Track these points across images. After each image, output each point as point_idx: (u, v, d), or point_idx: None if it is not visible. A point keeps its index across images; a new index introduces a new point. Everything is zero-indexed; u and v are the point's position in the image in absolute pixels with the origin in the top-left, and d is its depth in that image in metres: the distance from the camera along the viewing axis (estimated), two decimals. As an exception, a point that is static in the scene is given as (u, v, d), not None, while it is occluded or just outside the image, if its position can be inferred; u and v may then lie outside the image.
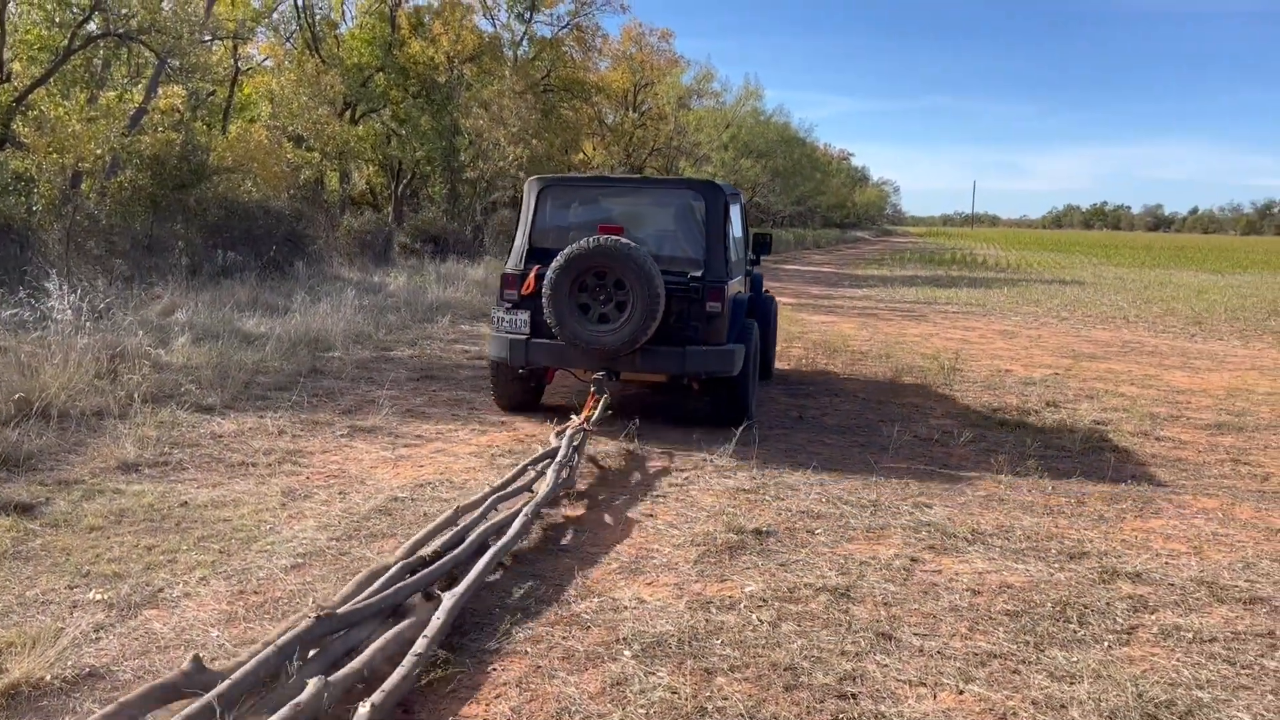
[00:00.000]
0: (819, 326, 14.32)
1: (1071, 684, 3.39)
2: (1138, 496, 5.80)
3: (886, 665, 3.49)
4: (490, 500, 4.77)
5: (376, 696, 2.87)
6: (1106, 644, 3.74)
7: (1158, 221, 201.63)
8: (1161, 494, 5.88)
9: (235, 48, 22.33)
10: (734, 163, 41.16)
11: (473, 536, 4.26)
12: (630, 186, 7.92)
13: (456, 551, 4.08)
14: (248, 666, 2.92)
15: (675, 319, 6.86)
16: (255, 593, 3.95)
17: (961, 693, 3.32)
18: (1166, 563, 4.67)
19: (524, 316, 7.07)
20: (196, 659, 2.89)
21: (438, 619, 3.42)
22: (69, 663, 3.27)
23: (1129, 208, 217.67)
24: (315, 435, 6.60)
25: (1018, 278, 28.75)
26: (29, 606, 3.73)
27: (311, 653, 3.14)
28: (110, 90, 17.27)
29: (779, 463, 6.30)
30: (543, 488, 5.06)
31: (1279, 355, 12.53)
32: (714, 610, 3.92)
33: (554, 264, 6.74)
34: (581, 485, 5.68)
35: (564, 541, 4.74)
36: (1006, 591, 4.24)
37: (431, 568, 3.88)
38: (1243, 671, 3.55)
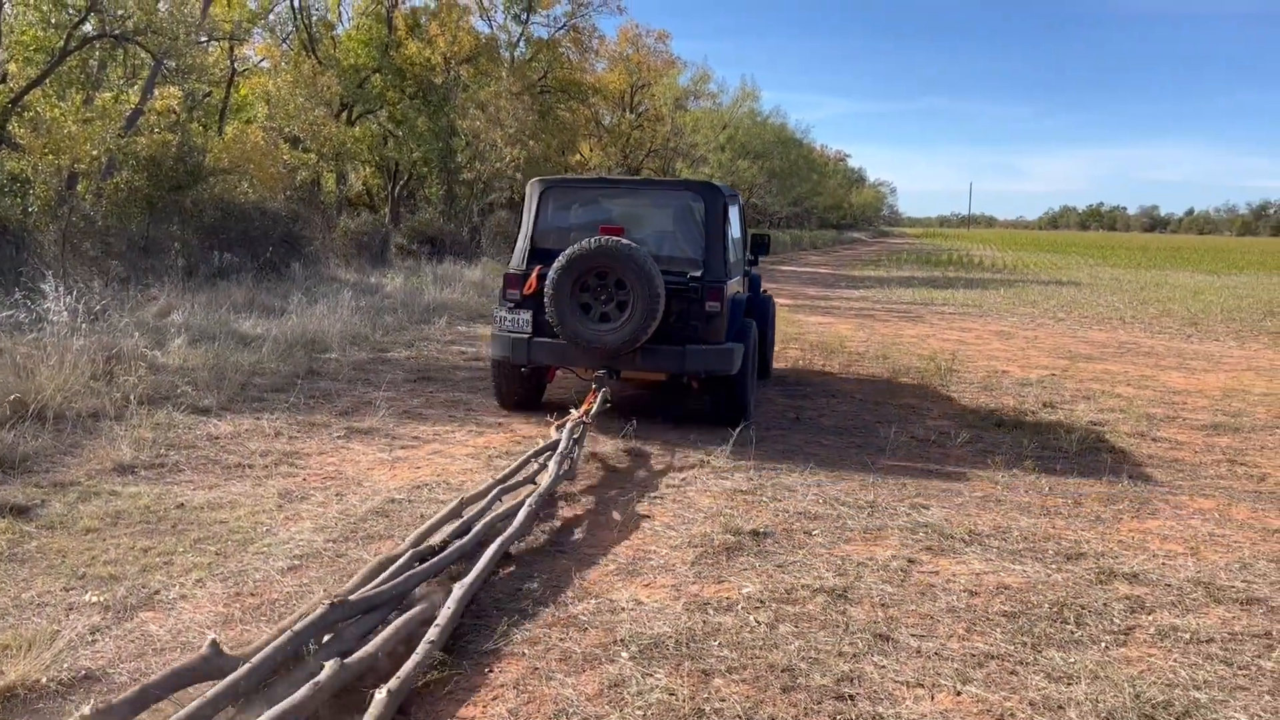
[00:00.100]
0: (816, 327, 14.33)
1: (1069, 685, 3.39)
2: (1134, 497, 5.80)
3: (884, 666, 3.49)
4: (494, 492, 4.87)
5: (392, 683, 2.96)
6: (1104, 645, 3.74)
7: (1154, 222, 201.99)
8: (1158, 495, 5.88)
9: (231, 49, 22.33)
10: (731, 164, 41.15)
11: (479, 526, 4.36)
12: (630, 188, 8.03)
13: (463, 541, 4.19)
14: (266, 651, 3.00)
15: (675, 318, 6.93)
16: (252, 595, 3.94)
17: (959, 694, 3.32)
18: (1163, 563, 4.68)
19: (526, 316, 7.14)
20: (214, 643, 2.95)
21: (448, 608, 3.52)
22: (65, 665, 3.26)
23: (1125, 209, 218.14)
24: (312, 437, 6.59)
25: (1014, 279, 28.78)
26: (25, 609, 3.72)
27: (326, 638, 3.24)
28: (106, 91, 17.26)
29: (776, 464, 6.30)
30: (545, 479, 5.18)
31: (1275, 356, 12.55)
32: (711, 612, 3.92)
33: (556, 264, 6.81)
34: (579, 486, 5.68)
35: (561, 543, 4.74)
36: (1004, 592, 4.24)
37: (440, 556, 3.99)
38: (1240, 672, 3.56)
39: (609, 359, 6.96)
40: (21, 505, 4.84)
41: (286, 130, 22.90)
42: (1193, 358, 12.10)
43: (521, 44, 30.18)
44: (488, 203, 26.31)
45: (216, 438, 6.40)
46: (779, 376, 9.76)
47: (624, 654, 3.51)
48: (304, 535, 4.65)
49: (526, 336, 7.14)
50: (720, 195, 7.34)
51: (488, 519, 4.48)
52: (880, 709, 3.19)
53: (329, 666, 2.94)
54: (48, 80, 15.30)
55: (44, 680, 3.15)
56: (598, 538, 4.81)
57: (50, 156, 13.50)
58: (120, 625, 3.62)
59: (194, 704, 2.69)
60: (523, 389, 7.68)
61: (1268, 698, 3.37)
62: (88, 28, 15.13)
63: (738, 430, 6.78)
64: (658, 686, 3.28)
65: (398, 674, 3.03)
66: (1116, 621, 3.96)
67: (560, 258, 6.81)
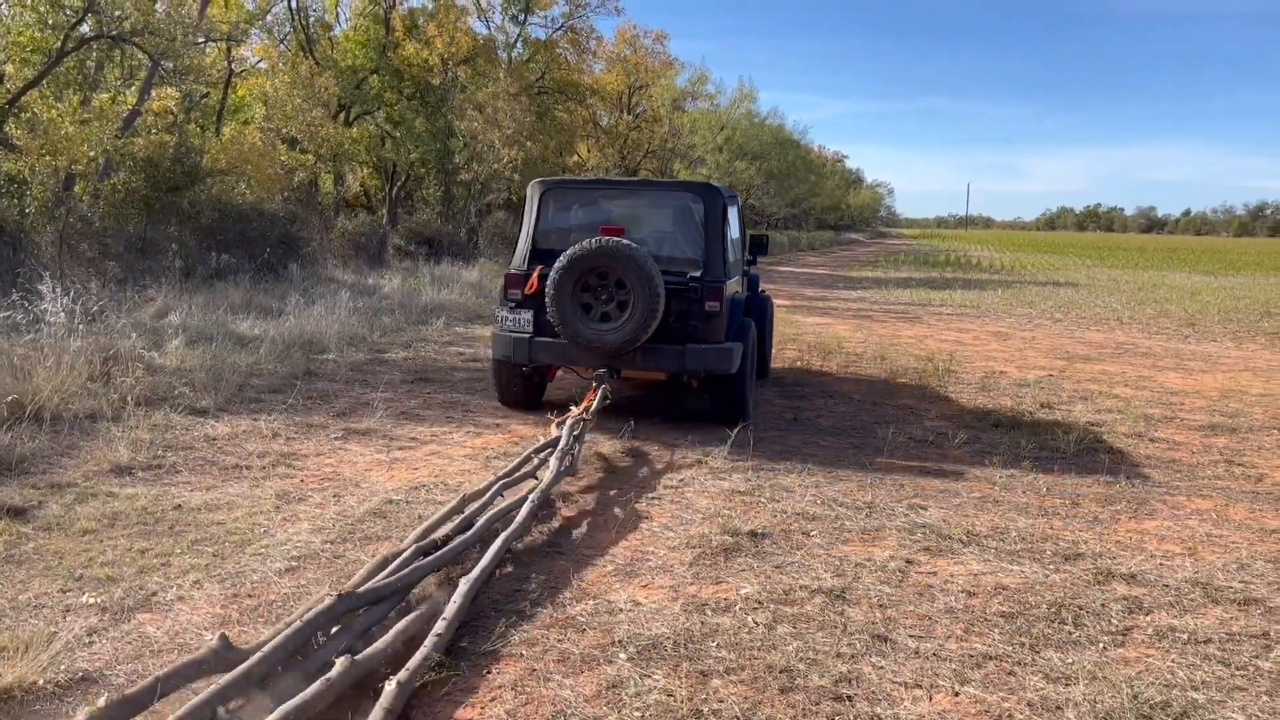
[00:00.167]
0: (814, 328, 14.33)
1: (1067, 685, 3.40)
2: (1132, 498, 5.81)
3: (882, 667, 3.49)
4: (496, 488, 4.92)
5: (402, 674, 3.04)
6: (1102, 645, 3.74)
7: (1151, 223, 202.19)
8: (1156, 495, 5.88)
9: (229, 50, 22.33)
10: (729, 165, 41.16)
11: (481, 522, 4.43)
12: (631, 189, 8.14)
13: (468, 535, 4.26)
14: (276, 642, 3.06)
15: (675, 318, 6.99)
16: (249, 596, 3.94)
17: (957, 694, 3.32)
18: (1161, 564, 4.68)
19: (527, 315, 7.21)
20: (224, 636, 3.02)
21: (454, 602, 3.58)
22: (62, 667, 3.26)
23: (1122, 209, 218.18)
24: (309, 438, 6.59)
25: (1012, 279, 28.81)
26: (21, 610, 3.71)
27: (334, 629, 3.31)
28: (103, 92, 17.23)
29: (774, 464, 6.30)
30: (546, 475, 5.23)
31: (1272, 356, 12.57)
32: (709, 612, 3.92)
33: (557, 264, 6.87)
34: (577, 487, 5.68)
35: (559, 543, 4.73)
36: (1002, 593, 4.24)
37: (444, 550, 4.07)
38: (1237, 672, 3.56)
39: (610, 358, 7.01)
40: (18, 507, 4.84)
41: (284, 131, 22.89)
42: (1190, 358, 12.11)
43: (519, 45, 30.18)
44: (485, 204, 26.30)
45: (214, 439, 6.39)
46: (777, 377, 9.76)
47: (622, 655, 3.51)
48: (301, 536, 4.64)
49: (528, 336, 7.21)
50: (719, 196, 7.41)
51: (490, 515, 4.55)
52: (878, 710, 3.19)
53: (340, 663, 3.00)
54: (45, 81, 15.27)
55: (41, 682, 3.14)
56: (596, 538, 4.81)
57: (47, 158, 13.48)
58: (117, 627, 3.61)
59: (206, 692, 2.75)
60: (524, 388, 7.75)
61: (1265, 698, 3.37)
62: (85, 29, 15.11)
63: (735, 431, 6.78)
64: (656, 687, 3.27)
65: (407, 666, 3.11)
66: (1114, 622, 3.96)
67: (561, 258, 6.86)
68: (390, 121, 25.94)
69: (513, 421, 7.40)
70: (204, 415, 6.97)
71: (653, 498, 5.51)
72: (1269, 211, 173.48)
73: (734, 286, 7.71)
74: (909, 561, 4.58)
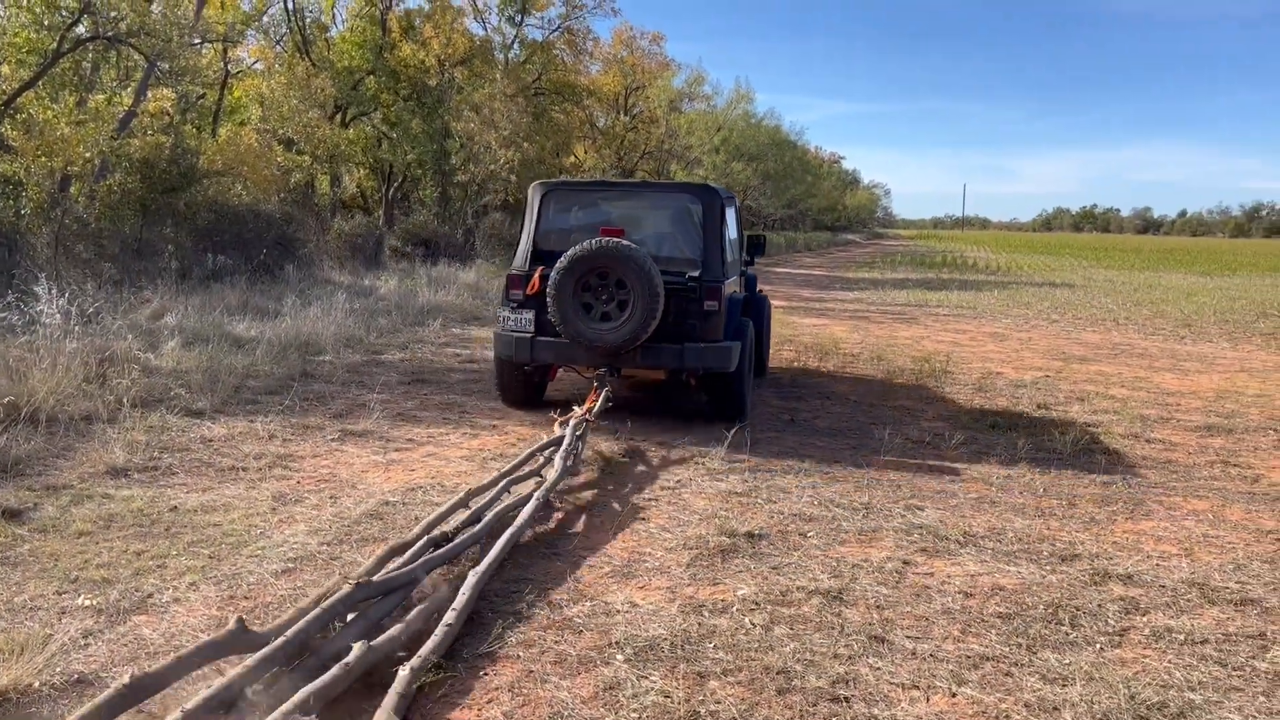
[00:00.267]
0: (810, 329, 14.34)
1: (1064, 686, 3.40)
2: (1129, 498, 5.81)
3: (879, 668, 3.49)
4: (502, 484, 5.04)
5: (415, 660, 3.16)
6: (1098, 646, 3.74)
7: (1147, 224, 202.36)
8: (1152, 496, 5.89)
9: (225, 51, 22.30)
10: (725, 166, 41.17)
11: (489, 516, 4.55)
12: (630, 190, 8.32)
13: (476, 530, 4.38)
14: (299, 626, 3.18)
15: (674, 317, 7.10)
16: (246, 598, 3.93)
17: (954, 695, 3.32)
18: (1158, 564, 4.68)
19: (529, 315, 7.32)
20: (240, 620, 3.11)
21: (464, 593, 3.68)
22: (57, 669, 3.25)
23: (1118, 210, 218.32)
24: (306, 439, 6.58)
25: (1008, 280, 28.84)
26: (17, 613, 3.71)
27: (350, 616, 3.43)
28: (99, 93, 17.21)
29: (771, 465, 6.30)
30: (551, 473, 5.34)
31: (1268, 357, 12.59)
32: (706, 614, 3.92)
33: (558, 265, 6.97)
34: (574, 488, 5.67)
35: (556, 545, 4.73)
36: (999, 594, 4.24)
37: (453, 543, 4.19)
38: (1234, 673, 3.56)
39: (610, 357, 7.12)
40: (14, 508, 4.82)
41: (280, 132, 22.87)
42: (1186, 359, 12.13)
43: (516, 46, 30.18)
44: (482, 205, 26.29)
45: (210, 440, 6.38)
46: (774, 378, 9.77)
47: (619, 656, 3.51)
48: (298, 538, 4.64)
49: (529, 335, 7.31)
50: (717, 197, 7.52)
51: (497, 509, 4.67)
52: (875, 711, 3.19)
53: (357, 648, 3.12)
54: (41, 82, 15.24)
55: (36, 684, 3.13)
56: (593, 539, 4.80)
57: (43, 159, 13.45)
58: (113, 629, 3.60)
59: (232, 672, 2.86)
60: (525, 387, 7.86)
61: (1262, 698, 3.38)
62: (81, 30, 15.08)
63: (733, 432, 6.79)
64: (653, 689, 3.27)
65: (419, 653, 3.22)
66: (1111, 623, 3.97)
67: (562, 259, 6.96)
68: (387, 123, 25.93)
69: (509, 422, 7.40)
70: (200, 417, 6.95)
71: (650, 499, 5.50)
72: (1265, 212, 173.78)
73: (732, 286, 7.78)
74: (906, 562, 4.59)
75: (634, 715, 3.11)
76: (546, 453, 5.74)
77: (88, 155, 13.80)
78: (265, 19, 25.61)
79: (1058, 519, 5.36)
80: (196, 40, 18.90)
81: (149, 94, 16.34)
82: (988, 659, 3.59)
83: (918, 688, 3.36)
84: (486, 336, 11.97)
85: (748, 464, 6.30)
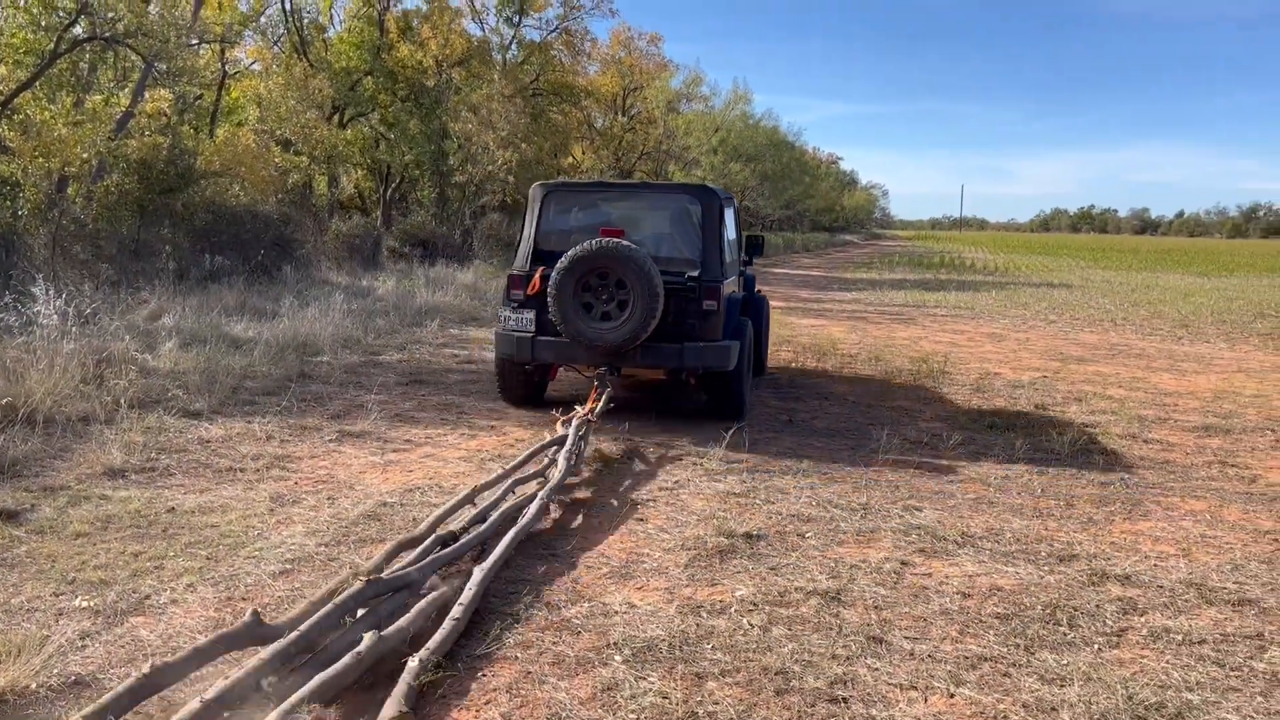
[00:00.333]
0: (808, 330, 14.34)
1: (1062, 687, 3.40)
2: (1126, 499, 5.81)
3: (877, 669, 3.49)
4: (508, 483, 5.14)
5: (423, 652, 3.23)
6: (1096, 646, 3.74)
7: (1144, 225, 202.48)
8: (1150, 496, 5.89)
9: (223, 51, 22.27)
10: (723, 166, 41.17)
11: (495, 515, 4.63)
12: (630, 191, 8.47)
13: (483, 528, 4.48)
14: (313, 619, 3.27)
15: (674, 317, 7.18)
16: (243, 599, 3.92)
17: (952, 696, 3.32)
18: (1155, 565, 4.68)
19: (530, 315, 7.41)
20: (255, 613, 3.19)
21: (470, 589, 3.77)
22: (55, 671, 3.24)
23: (1116, 211, 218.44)
24: (303, 440, 6.57)
25: (1005, 281, 28.86)
26: (14, 614, 3.70)
27: (360, 612, 3.50)
28: (96, 94, 17.18)
29: (769, 466, 6.30)
30: (555, 473, 5.41)
31: (1265, 357, 12.60)
32: (705, 614, 3.92)
33: (558, 265, 7.05)
34: (572, 488, 5.67)
35: (554, 546, 4.73)
36: (996, 594, 4.24)
37: (461, 541, 4.28)
38: (1232, 673, 3.56)
39: (610, 356, 7.20)
40: (11, 510, 4.82)
41: (278, 133, 22.86)
42: (1183, 359, 12.14)
43: (514, 47, 30.18)
44: (480, 205, 26.27)
45: (207, 441, 6.38)
46: (772, 379, 9.77)
47: (617, 657, 3.51)
48: (295, 539, 4.63)
49: (530, 335, 7.40)
50: (716, 198, 7.60)
51: (503, 508, 4.75)
52: (873, 712, 3.19)
53: (368, 638, 3.20)
54: (38, 83, 15.22)
55: (33, 686, 3.13)
56: (591, 540, 4.80)
57: (40, 159, 13.43)
58: (111, 630, 3.60)
59: (251, 663, 2.94)
60: (526, 386, 7.95)
61: (1260, 699, 3.38)
62: (78, 30, 15.05)
63: (730, 432, 6.80)
64: (651, 690, 3.27)
65: (428, 645, 3.30)
66: (1109, 623, 3.97)
67: (563, 259, 7.04)
68: (384, 123, 25.92)
69: (507, 423, 7.40)
70: (198, 418, 6.95)
71: (648, 499, 5.50)
72: (1262, 213, 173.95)
73: (731, 286, 7.85)
74: (904, 563, 4.59)
75: (632, 716, 3.11)
76: (550, 452, 5.81)
77: (85, 156, 13.79)
78: (263, 19, 25.61)
79: (1055, 519, 5.36)
80: (194, 41, 18.87)
81: (146, 95, 16.32)
82: (985, 659, 3.59)
83: (916, 688, 3.36)
84: (484, 337, 11.96)
85: (746, 464, 6.30)
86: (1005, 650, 3.68)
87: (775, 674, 3.41)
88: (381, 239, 21.35)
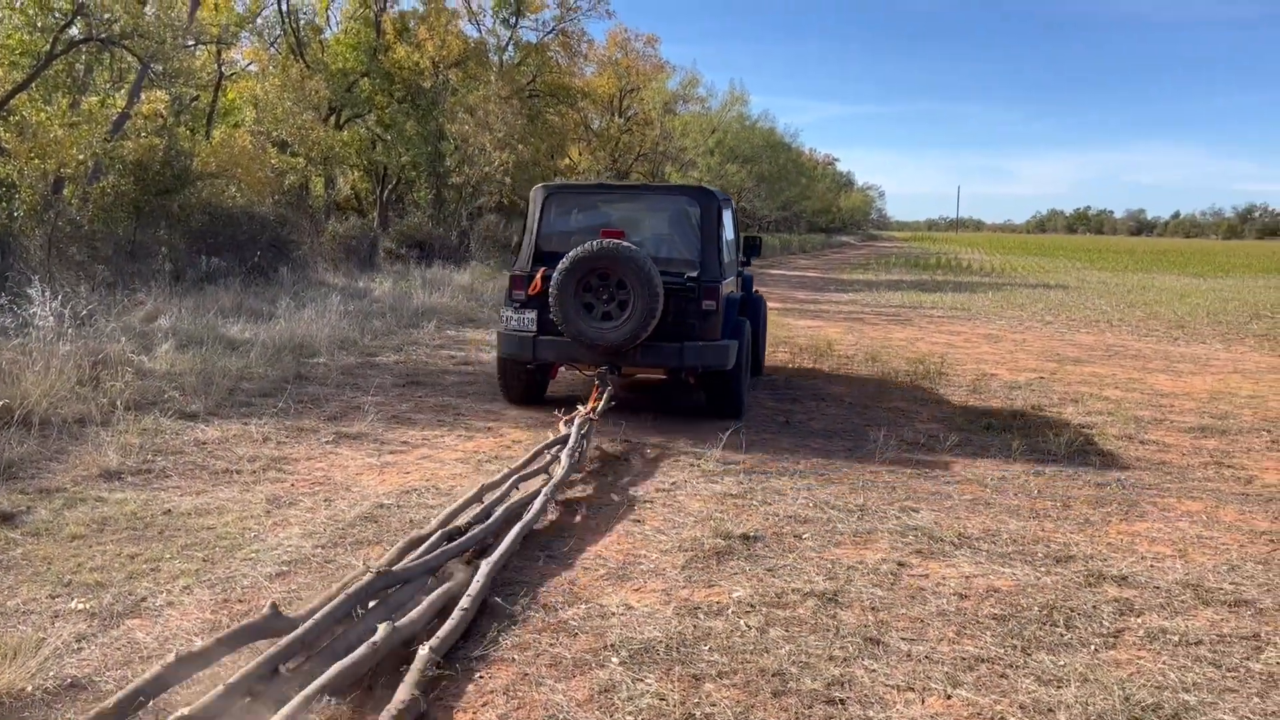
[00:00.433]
0: (805, 331, 14.35)
1: (1059, 688, 3.40)
2: (1123, 499, 5.82)
3: (874, 670, 3.49)
4: (512, 480, 5.22)
5: (434, 641, 3.33)
6: (1093, 647, 3.75)
7: (1140, 226, 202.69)
8: (1146, 497, 5.90)
9: (219, 53, 22.23)
10: (720, 168, 41.19)
11: (500, 511, 4.74)
12: (630, 193, 8.67)
13: (488, 523, 4.58)
14: (327, 609, 3.38)
15: (673, 316, 7.29)
16: (240, 601, 3.92)
17: (949, 697, 3.32)
18: (1152, 566, 4.69)
19: (531, 315, 7.52)
20: (274, 605, 3.32)
21: (478, 581, 3.88)
22: (50, 673, 3.24)
23: (1112, 212, 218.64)
24: (300, 442, 6.56)
25: (1002, 282, 28.89)
26: (10, 616, 3.69)
27: (372, 604, 3.62)
28: (93, 95, 17.16)
29: (766, 467, 6.30)
30: (558, 470, 5.51)
31: (1260, 358, 12.63)
32: (702, 616, 3.91)
33: (560, 266, 7.15)
34: (569, 489, 5.67)
35: (551, 547, 4.72)
36: (993, 595, 4.24)
37: (467, 535, 4.38)
38: (1228, 674, 3.57)
39: (611, 356, 7.28)
40: (7, 512, 4.81)
41: (274, 134, 22.83)
42: (1179, 360, 12.16)
43: (510, 48, 30.12)
44: (476, 207, 26.26)
45: (204, 443, 6.37)
46: (768, 380, 9.77)
47: (614, 659, 3.51)
48: (292, 541, 4.62)
49: (532, 334, 7.51)
50: (715, 199, 7.71)
51: (508, 504, 4.85)
52: (871, 713, 3.19)
53: (383, 628, 3.29)
54: (34, 84, 15.20)
55: (29, 689, 3.12)
56: (588, 542, 4.80)
57: (36, 161, 13.41)
58: (107, 633, 3.59)
59: (269, 651, 3.04)
60: (527, 385, 8.06)
61: (1256, 699, 3.38)
62: (74, 31, 15.04)
63: (727, 433, 6.81)
64: (648, 692, 3.27)
65: (438, 634, 3.40)
66: (1106, 624, 3.97)
67: (564, 259, 7.13)
68: (381, 124, 25.89)
69: (504, 424, 7.39)
70: (194, 419, 6.94)
71: (645, 501, 5.50)
72: (1258, 214, 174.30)
73: (729, 286, 7.94)
74: (901, 564, 4.59)
75: (629, 718, 3.11)
76: (553, 450, 5.89)
77: (81, 157, 13.77)
78: (259, 21, 25.51)
79: (1052, 520, 5.36)
80: (190, 42, 18.85)
81: (142, 96, 16.29)
82: (983, 661, 3.60)
83: (913, 690, 3.36)
84: (481, 338, 11.96)
85: (743, 465, 6.30)
86: (1002, 651, 3.68)
87: (772, 675, 3.41)
88: (378, 240, 21.34)
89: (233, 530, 4.74)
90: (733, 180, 41.31)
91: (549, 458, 5.79)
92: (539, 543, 4.77)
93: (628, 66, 37.12)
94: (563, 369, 8.41)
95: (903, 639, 3.76)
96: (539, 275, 7.44)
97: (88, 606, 3.79)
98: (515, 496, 5.05)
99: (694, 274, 7.33)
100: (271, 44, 26.22)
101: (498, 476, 5.24)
